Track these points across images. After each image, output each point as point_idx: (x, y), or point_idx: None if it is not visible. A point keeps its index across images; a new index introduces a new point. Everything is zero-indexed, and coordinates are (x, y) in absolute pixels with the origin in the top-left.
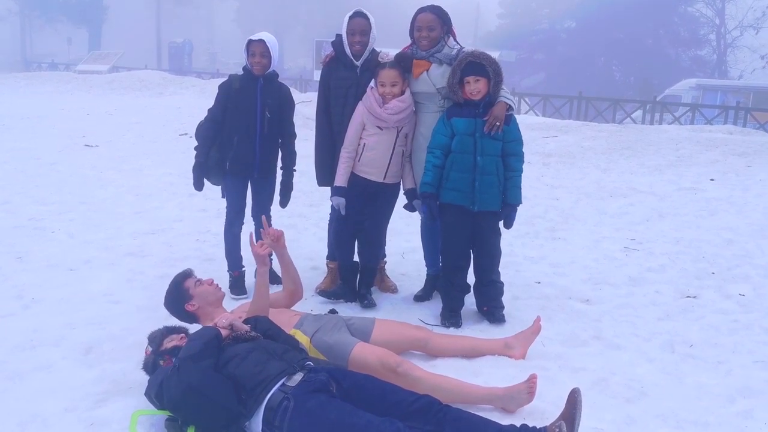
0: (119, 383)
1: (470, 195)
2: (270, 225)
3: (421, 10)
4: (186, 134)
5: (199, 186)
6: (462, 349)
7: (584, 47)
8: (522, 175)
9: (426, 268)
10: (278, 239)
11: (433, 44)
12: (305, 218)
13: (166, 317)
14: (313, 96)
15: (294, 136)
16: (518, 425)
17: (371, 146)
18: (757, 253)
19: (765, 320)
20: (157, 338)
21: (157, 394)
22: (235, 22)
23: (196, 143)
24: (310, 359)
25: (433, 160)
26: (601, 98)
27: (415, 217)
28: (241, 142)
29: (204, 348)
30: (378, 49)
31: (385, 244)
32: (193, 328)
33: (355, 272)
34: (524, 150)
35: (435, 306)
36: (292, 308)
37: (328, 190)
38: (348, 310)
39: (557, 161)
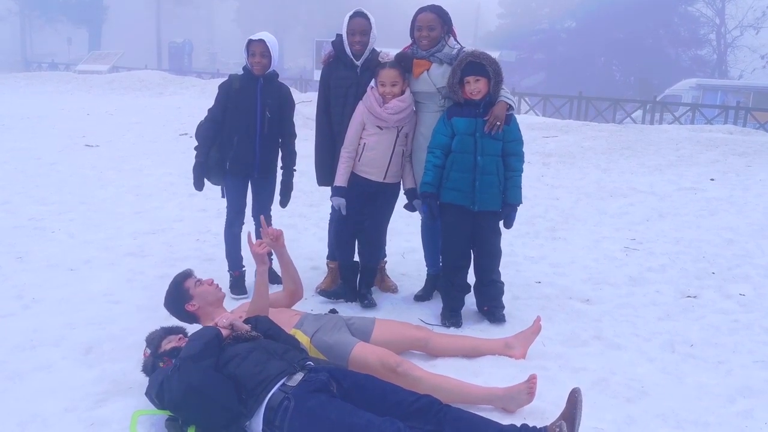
0: (119, 383)
1: (470, 195)
2: (270, 225)
3: (421, 10)
4: (186, 134)
5: (199, 186)
6: (462, 348)
7: (584, 47)
8: (522, 174)
9: (426, 268)
10: (277, 239)
11: (434, 44)
12: (305, 218)
13: (166, 317)
14: (313, 96)
15: (294, 135)
16: (518, 425)
17: (371, 146)
18: (758, 253)
19: (765, 320)
20: (155, 340)
21: (157, 393)
22: (235, 22)
23: (196, 143)
24: (310, 359)
25: (433, 160)
26: (601, 98)
27: (416, 217)
28: (241, 141)
29: (204, 348)
30: (378, 49)
31: (385, 244)
32: (193, 328)
33: (356, 272)
34: (524, 150)
35: (435, 306)
36: (293, 308)
37: (328, 190)
38: (348, 310)
39: (557, 161)
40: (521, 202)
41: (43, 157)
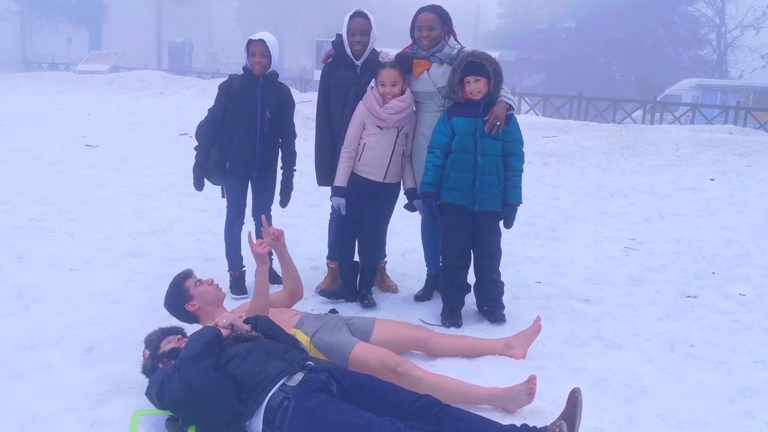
0: (119, 383)
1: (470, 195)
2: (270, 224)
3: (421, 10)
4: (186, 134)
5: (199, 186)
6: (462, 348)
7: (584, 47)
8: (522, 174)
9: (426, 268)
10: (278, 238)
11: (434, 44)
12: (305, 218)
13: (167, 317)
14: (313, 96)
15: (294, 135)
16: (519, 425)
17: (371, 146)
18: (758, 253)
19: (765, 320)
20: (153, 341)
21: (157, 393)
22: (235, 22)
23: (196, 143)
24: (310, 359)
25: (433, 160)
26: (601, 98)
27: (416, 217)
28: (242, 141)
29: (204, 348)
30: (378, 49)
31: (385, 244)
32: (193, 328)
33: (356, 272)
34: (524, 150)
35: (435, 306)
36: (293, 308)
37: (328, 190)
38: (348, 310)
39: (557, 161)
40: (521, 202)
41: (43, 157)
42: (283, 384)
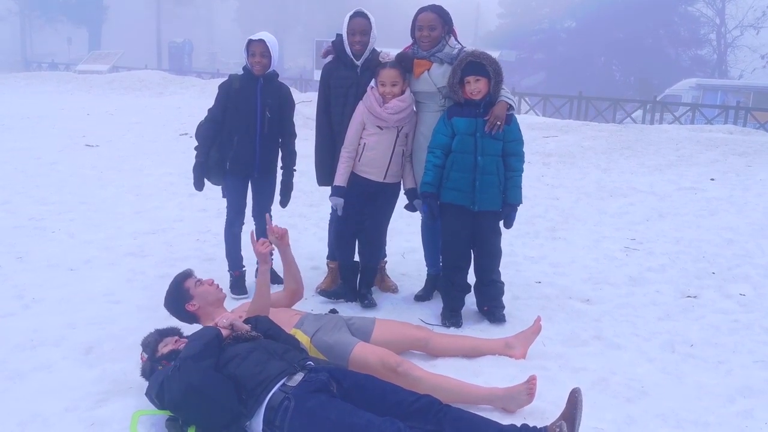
0: (120, 383)
1: (471, 195)
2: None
3: (422, 10)
4: (186, 134)
5: (199, 186)
6: (462, 348)
7: (584, 47)
8: (522, 174)
9: (426, 268)
10: (282, 237)
11: (434, 44)
12: (305, 218)
13: (167, 317)
14: (313, 96)
15: (294, 135)
16: (519, 425)
17: (371, 146)
18: (758, 253)
19: (765, 320)
20: (151, 344)
21: (157, 393)
22: (235, 22)
23: (196, 143)
24: (310, 359)
25: (433, 160)
26: (601, 98)
27: (416, 217)
28: (242, 141)
29: (205, 348)
30: (378, 49)
31: (385, 244)
32: (193, 328)
33: (356, 272)
34: (524, 150)
35: (435, 306)
36: (293, 308)
37: (328, 189)
38: (348, 310)
39: (557, 161)
40: (521, 202)
41: (43, 157)
42: (284, 384)
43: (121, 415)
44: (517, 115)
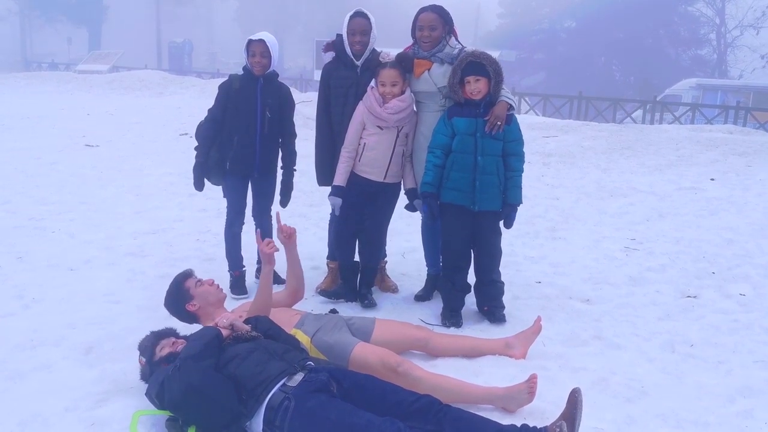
0: (120, 383)
1: (471, 195)
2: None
3: (422, 10)
4: (186, 134)
5: (199, 186)
6: (462, 348)
7: (584, 47)
8: (522, 174)
9: (426, 268)
10: (290, 236)
11: (435, 44)
12: (305, 218)
13: (167, 317)
14: (313, 96)
15: (294, 135)
16: (519, 425)
17: (371, 146)
18: (758, 253)
19: (765, 320)
20: (148, 348)
21: (157, 393)
22: (235, 22)
23: (196, 143)
24: (310, 359)
25: (433, 160)
26: (601, 98)
27: (416, 217)
28: (242, 141)
29: (205, 348)
30: (378, 49)
31: (385, 244)
32: (192, 328)
33: (356, 272)
34: (524, 150)
35: (435, 306)
36: (293, 308)
37: (328, 189)
38: (348, 310)
39: (557, 161)
40: (521, 202)
41: (43, 157)
42: (284, 384)
43: (121, 415)
44: (517, 115)
